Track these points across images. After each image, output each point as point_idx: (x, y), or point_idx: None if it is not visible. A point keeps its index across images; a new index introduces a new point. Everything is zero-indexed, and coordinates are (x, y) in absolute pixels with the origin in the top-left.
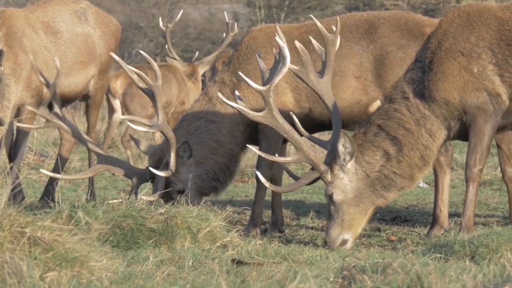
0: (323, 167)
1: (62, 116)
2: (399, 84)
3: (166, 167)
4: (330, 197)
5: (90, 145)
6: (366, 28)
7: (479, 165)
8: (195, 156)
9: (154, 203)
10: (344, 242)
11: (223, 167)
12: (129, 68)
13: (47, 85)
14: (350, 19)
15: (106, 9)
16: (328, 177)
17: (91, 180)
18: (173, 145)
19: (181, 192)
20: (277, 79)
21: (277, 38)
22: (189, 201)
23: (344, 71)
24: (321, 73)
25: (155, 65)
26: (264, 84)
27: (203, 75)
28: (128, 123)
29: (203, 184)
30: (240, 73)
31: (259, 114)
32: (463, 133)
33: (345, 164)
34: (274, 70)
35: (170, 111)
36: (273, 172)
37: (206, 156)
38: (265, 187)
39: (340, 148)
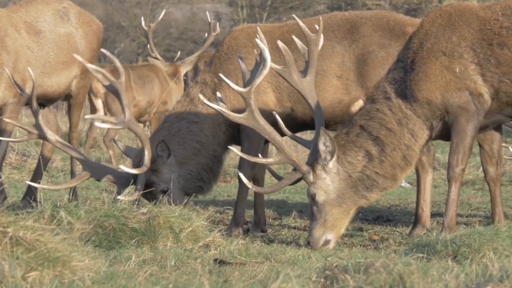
0: (305, 167)
1: (43, 128)
2: (381, 84)
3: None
4: (312, 197)
5: (74, 154)
6: (348, 27)
7: (461, 164)
8: (177, 157)
9: (136, 202)
10: (326, 242)
11: (206, 167)
12: (92, 67)
13: (21, 93)
14: (332, 19)
15: (88, 8)
16: (310, 177)
17: (72, 163)
18: (144, 142)
19: (164, 192)
20: (258, 80)
21: (257, 40)
22: (172, 201)
23: (326, 71)
24: (304, 73)
25: (117, 62)
26: (245, 86)
27: (186, 75)
28: (95, 122)
29: (188, 184)
30: (221, 75)
31: (240, 115)
32: (445, 133)
33: (326, 163)
34: (255, 72)
35: (152, 111)
36: (255, 172)
37: (188, 156)
38: (247, 187)
39: (321, 146)
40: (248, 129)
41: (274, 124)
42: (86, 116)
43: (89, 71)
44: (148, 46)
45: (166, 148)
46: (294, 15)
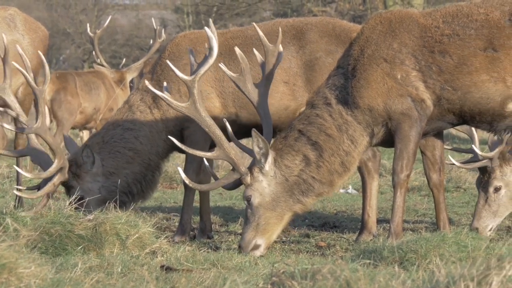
0: (243, 168)
1: None
2: (321, 90)
3: (60, 171)
4: (247, 199)
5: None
6: (293, 33)
7: (406, 171)
8: (106, 167)
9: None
10: (256, 247)
11: (139, 176)
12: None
13: None
14: (276, 25)
15: (33, 15)
16: (248, 179)
17: (18, 178)
18: (55, 150)
19: (79, 199)
20: (203, 69)
21: (206, 28)
22: (84, 208)
23: None
24: (260, 84)
25: (46, 68)
26: (191, 75)
27: (132, 82)
28: (4, 124)
29: (110, 196)
30: (168, 62)
31: (182, 104)
32: (387, 139)
33: (262, 165)
34: (202, 63)
35: (99, 118)
36: (200, 177)
37: (119, 166)
38: (193, 193)
39: (256, 148)
40: (193, 136)
41: (223, 129)
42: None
43: (35, 78)
44: (94, 52)
45: (91, 154)
46: (254, 23)
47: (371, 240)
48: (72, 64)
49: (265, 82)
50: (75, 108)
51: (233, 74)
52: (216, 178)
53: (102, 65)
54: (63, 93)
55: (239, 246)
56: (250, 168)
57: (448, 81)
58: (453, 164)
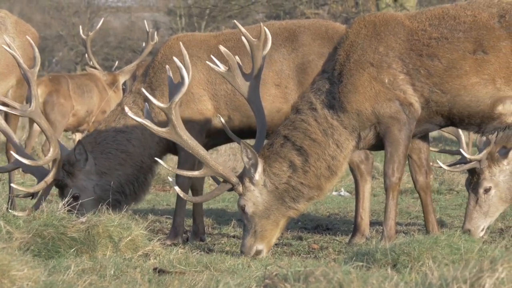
0: (234, 179)
1: None
2: (306, 95)
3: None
4: (242, 208)
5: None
6: (286, 35)
7: (397, 173)
8: (98, 166)
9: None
10: (258, 252)
11: (131, 178)
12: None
13: None
14: (269, 27)
15: (25, 18)
16: (240, 189)
17: (11, 189)
18: (49, 137)
19: (74, 197)
20: (177, 97)
21: (174, 58)
22: (79, 208)
23: (264, 79)
24: (249, 77)
25: (36, 51)
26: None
27: (124, 84)
28: None
29: (104, 195)
30: (143, 89)
31: (163, 129)
32: (375, 143)
33: (252, 175)
34: (178, 86)
35: (91, 120)
36: (193, 181)
37: (112, 167)
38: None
39: (245, 159)
40: None
41: (216, 132)
42: None
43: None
44: (86, 55)
45: (83, 151)
46: (235, 21)
47: (364, 242)
48: (65, 67)
49: (254, 75)
50: (68, 110)
51: (222, 70)
52: (216, 181)
53: (95, 68)
54: (55, 95)
55: (241, 252)
56: (241, 178)
57: (437, 84)
58: (441, 167)
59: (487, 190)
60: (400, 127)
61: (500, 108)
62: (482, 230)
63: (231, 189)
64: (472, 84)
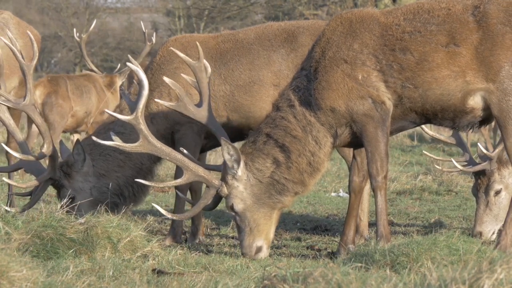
0: (216, 181)
1: None
2: (285, 92)
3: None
4: (231, 208)
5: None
6: (285, 36)
7: (382, 172)
8: (97, 168)
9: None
10: (259, 249)
11: (130, 180)
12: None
13: None
14: (268, 29)
15: (25, 19)
16: (224, 189)
17: (10, 188)
18: (43, 132)
19: (71, 199)
20: (141, 104)
21: (128, 63)
22: (76, 210)
23: (262, 80)
24: (200, 103)
25: (35, 45)
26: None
27: (122, 85)
28: None
29: (101, 197)
30: (107, 111)
31: (135, 144)
32: (352, 141)
33: (235, 171)
34: (137, 99)
35: (90, 121)
36: (192, 183)
37: (110, 169)
38: (185, 196)
39: (226, 156)
40: (183, 139)
41: (211, 136)
42: None
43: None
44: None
45: (81, 151)
46: (172, 48)
47: (362, 243)
48: (64, 68)
49: (204, 98)
50: (67, 111)
51: (171, 104)
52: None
53: (92, 71)
54: (54, 96)
55: (243, 254)
56: (223, 179)
57: (409, 79)
58: (450, 170)
59: (497, 192)
60: (375, 125)
61: (471, 102)
62: (493, 234)
63: (217, 202)
64: (443, 77)
